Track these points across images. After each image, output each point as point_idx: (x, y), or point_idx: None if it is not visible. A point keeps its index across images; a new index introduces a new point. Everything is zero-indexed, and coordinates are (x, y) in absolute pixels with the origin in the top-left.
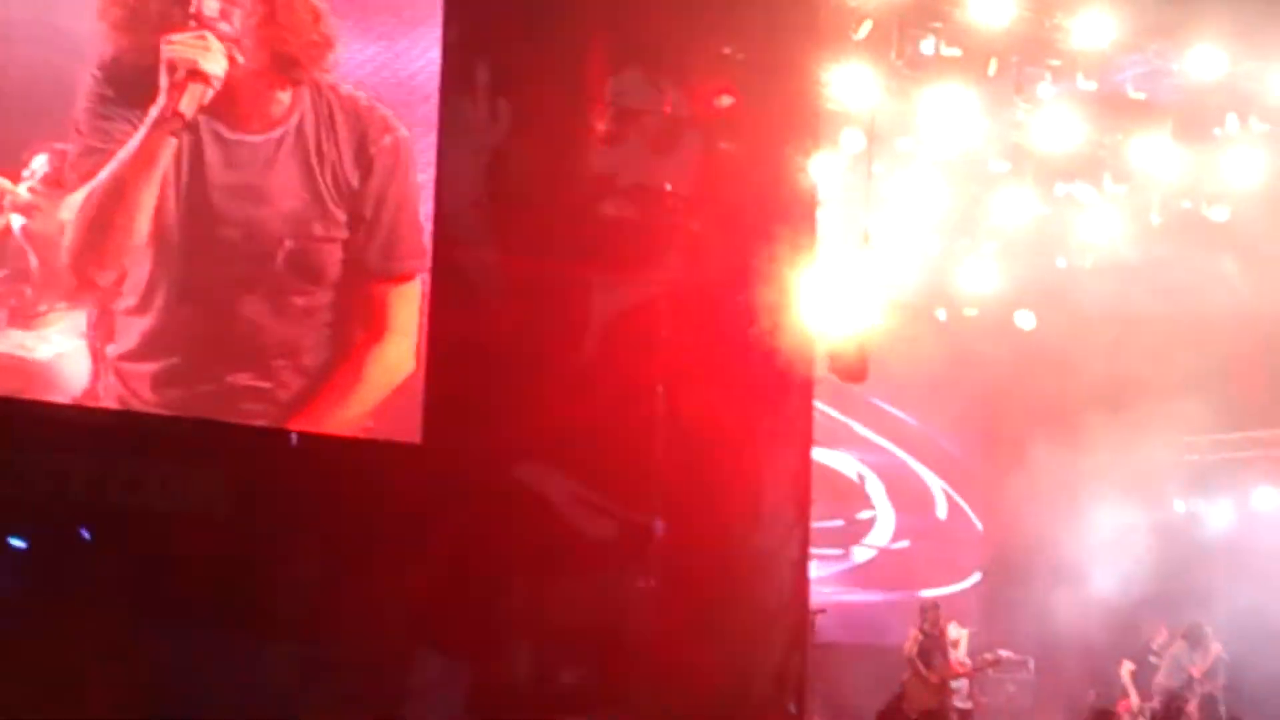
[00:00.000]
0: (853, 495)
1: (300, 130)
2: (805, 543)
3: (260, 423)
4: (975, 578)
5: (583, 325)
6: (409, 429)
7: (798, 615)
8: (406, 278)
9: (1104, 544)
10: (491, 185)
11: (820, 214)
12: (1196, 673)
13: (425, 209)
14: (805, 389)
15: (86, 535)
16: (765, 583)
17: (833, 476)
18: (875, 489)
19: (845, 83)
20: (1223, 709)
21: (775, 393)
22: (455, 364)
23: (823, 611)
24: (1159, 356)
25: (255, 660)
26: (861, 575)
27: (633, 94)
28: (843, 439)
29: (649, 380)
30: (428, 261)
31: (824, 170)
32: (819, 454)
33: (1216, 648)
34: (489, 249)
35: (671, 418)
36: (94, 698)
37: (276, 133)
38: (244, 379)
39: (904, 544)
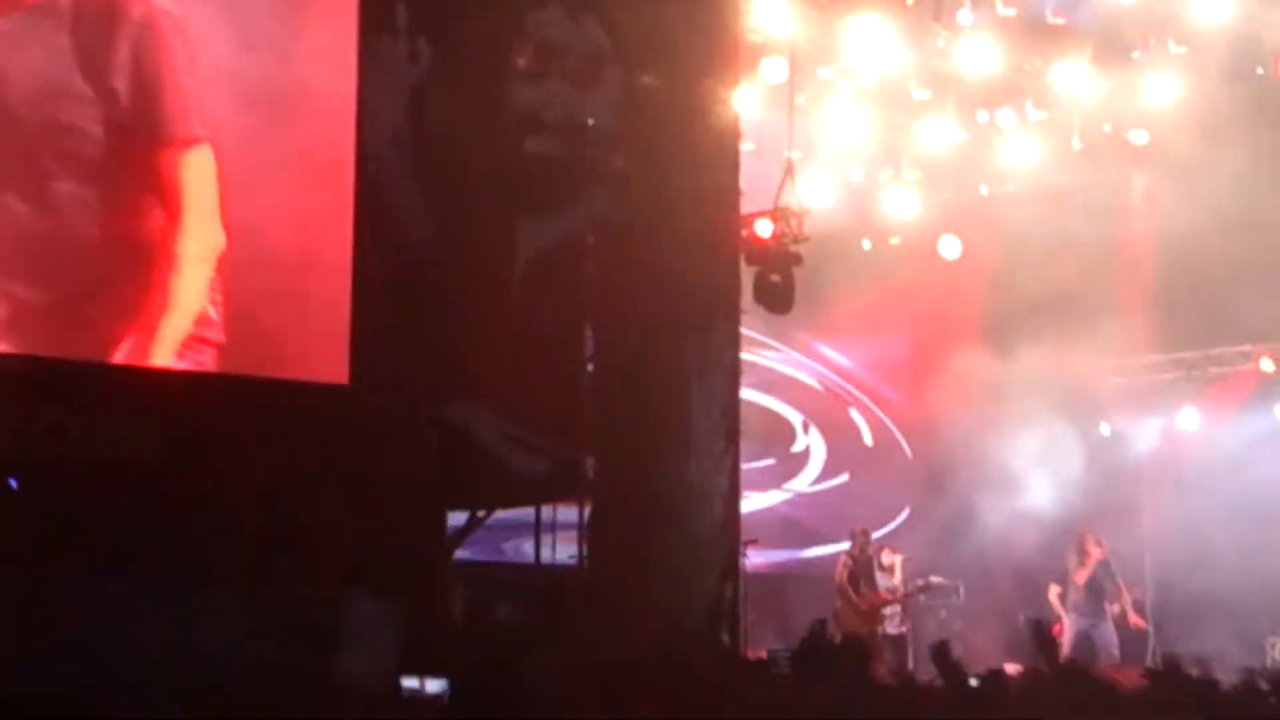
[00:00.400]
0: (784, 431)
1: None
2: (736, 473)
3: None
4: (906, 511)
5: (509, 263)
6: (333, 366)
7: (730, 546)
8: (182, 144)
9: (1033, 467)
10: (413, 125)
11: (743, 146)
12: (1079, 579)
13: (192, 79)
14: (732, 320)
15: (14, 484)
16: (697, 515)
17: (763, 413)
18: (806, 422)
19: (766, 12)
20: (1102, 636)
21: (703, 325)
22: (381, 304)
23: (754, 542)
24: (1084, 281)
25: (187, 608)
26: (796, 508)
27: (554, 28)
28: (773, 373)
29: (577, 316)
30: (203, 130)
31: (746, 102)
32: (750, 392)
33: (1098, 552)
34: (413, 189)
35: (599, 353)
36: (21, 651)
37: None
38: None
39: (841, 479)
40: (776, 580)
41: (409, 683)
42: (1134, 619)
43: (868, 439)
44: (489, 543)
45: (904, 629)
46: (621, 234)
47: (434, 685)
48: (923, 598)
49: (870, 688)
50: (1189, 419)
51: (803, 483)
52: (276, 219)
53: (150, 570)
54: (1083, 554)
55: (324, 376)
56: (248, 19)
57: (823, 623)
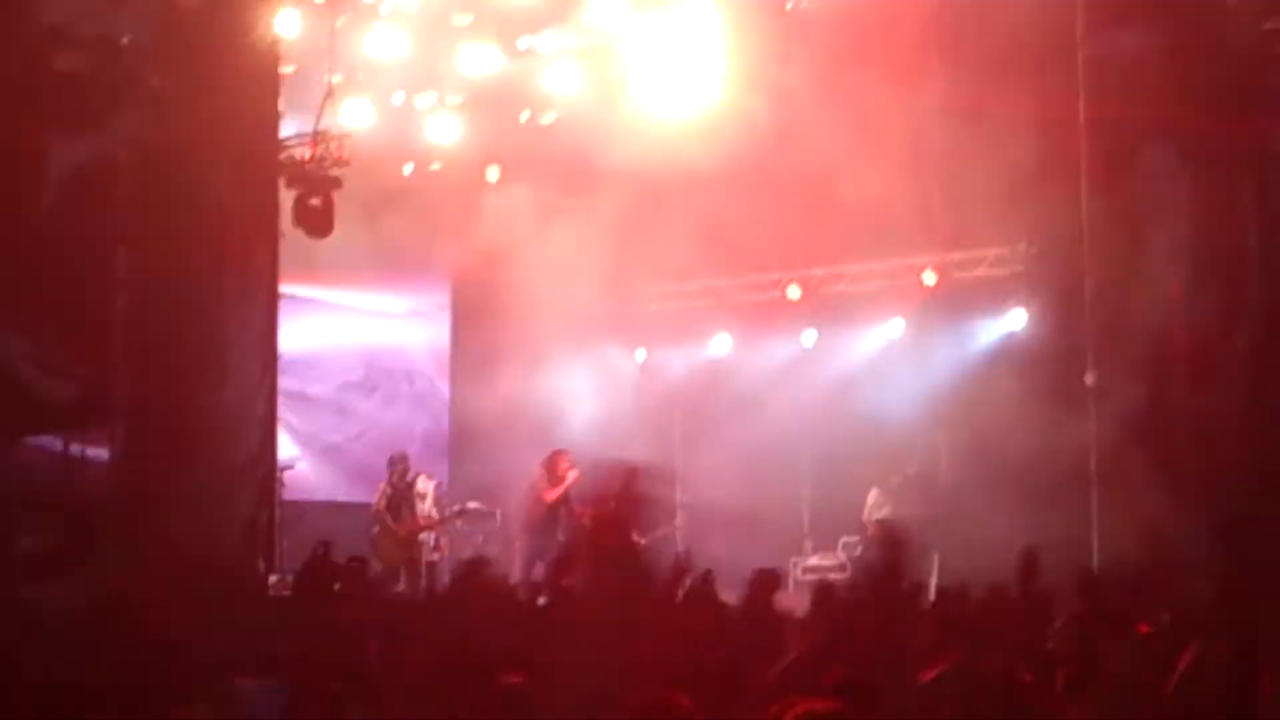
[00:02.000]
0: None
1: None
2: (273, 399)
3: None
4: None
5: (36, 182)
6: None
7: (266, 472)
8: None
9: (567, 396)
10: None
11: (284, 68)
12: (549, 498)
13: None
14: (271, 244)
15: None
16: (232, 441)
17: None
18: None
19: None
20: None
21: (241, 248)
22: None
23: (290, 468)
24: (623, 210)
25: None
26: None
27: None
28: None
29: (109, 238)
30: None
31: (287, 23)
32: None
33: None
34: None
35: (133, 275)
36: None
37: None
38: None
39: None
40: (316, 508)
41: None
42: None
43: (421, 384)
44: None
45: (437, 555)
46: (157, 155)
47: None
48: (460, 523)
49: (365, 603)
50: (722, 345)
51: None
52: None
53: None
54: (554, 476)
55: None
56: None
57: (326, 544)
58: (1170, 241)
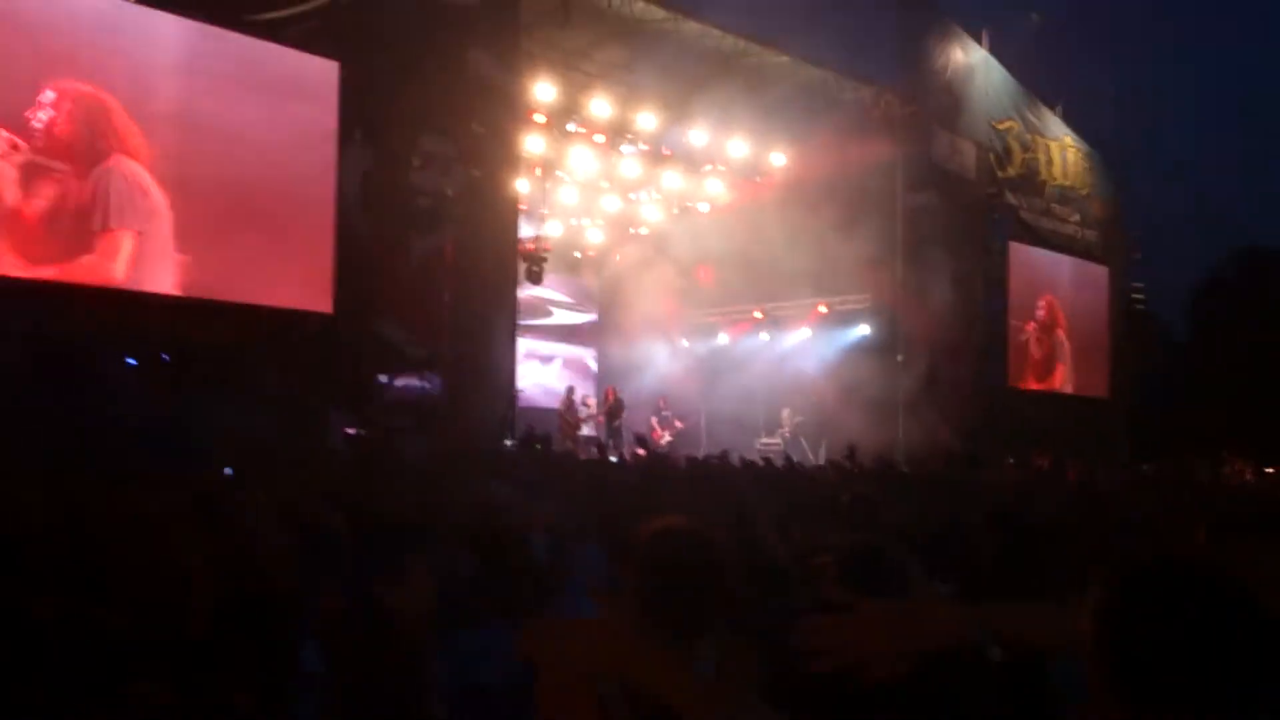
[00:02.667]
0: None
1: None
2: (513, 356)
3: None
4: None
5: (407, 255)
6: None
7: (510, 390)
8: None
9: (652, 361)
10: (364, 188)
11: (520, 207)
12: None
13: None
14: (513, 286)
15: (165, 358)
16: (496, 374)
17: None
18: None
19: (532, 142)
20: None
21: (501, 286)
22: (345, 272)
23: (521, 390)
24: (682, 265)
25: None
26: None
27: (430, 143)
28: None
29: (441, 280)
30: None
31: (522, 184)
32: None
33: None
34: (363, 220)
35: (452, 298)
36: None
37: None
38: None
39: None
40: (530, 411)
41: None
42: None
43: None
44: None
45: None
46: (464, 246)
47: None
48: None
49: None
50: (722, 339)
51: None
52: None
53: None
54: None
55: (319, 308)
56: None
57: (531, 428)
58: (938, 292)
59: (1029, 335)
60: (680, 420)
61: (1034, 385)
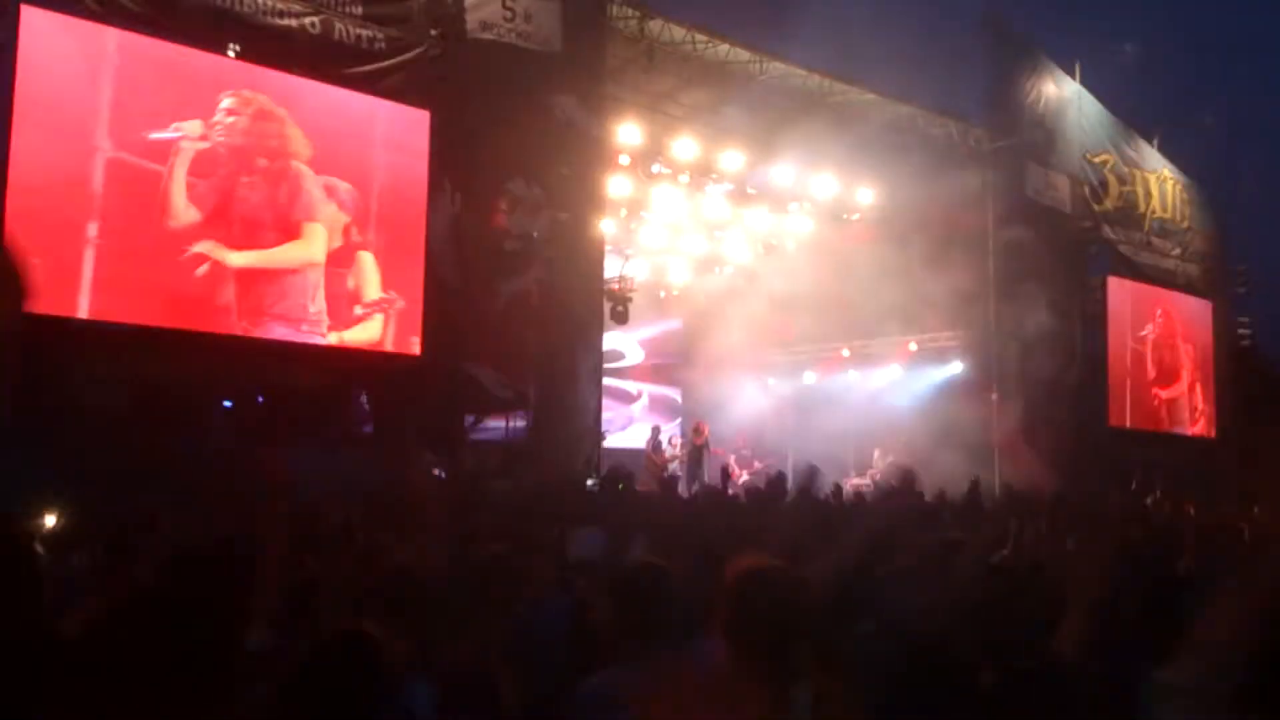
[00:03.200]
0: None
1: None
2: (599, 401)
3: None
4: None
5: (495, 297)
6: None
7: (596, 432)
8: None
9: (736, 400)
10: (452, 232)
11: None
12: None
13: None
14: (599, 329)
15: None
16: (582, 416)
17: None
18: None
19: (617, 186)
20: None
21: (585, 329)
22: (434, 317)
23: (607, 432)
24: (771, 303)
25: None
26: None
27: (517, 186)
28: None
29: (527, 324)
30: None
31: (606, 226)
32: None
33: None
34: (452, 263)
35: (539, 340)
36: None
37: None
38: None
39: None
40: (615, 452)
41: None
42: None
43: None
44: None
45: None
46: (550, 288)
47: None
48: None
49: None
50: (809, 378)
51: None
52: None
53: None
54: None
55: (408, 350)
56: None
57: (616, 468)
58: (1034, 328)
59: (1146, 347)
60: (761, 460)
61: (1140, 423)
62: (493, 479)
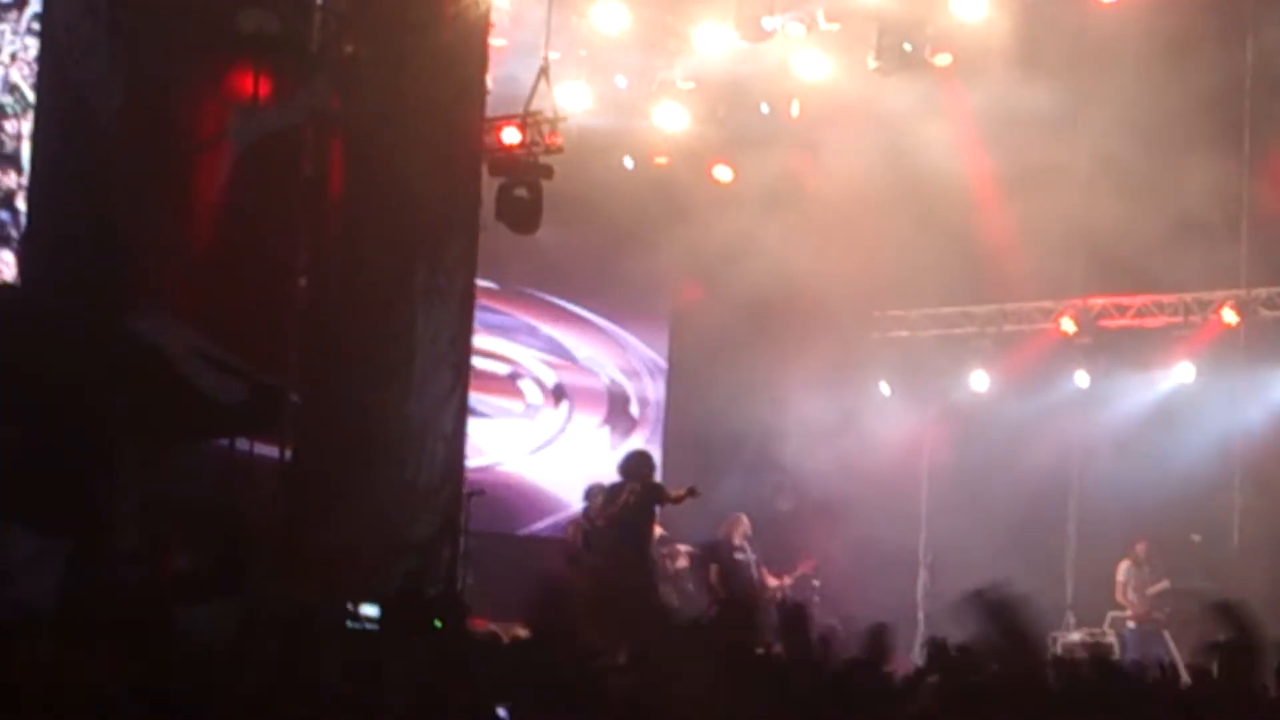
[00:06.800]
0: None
1: None
2: (463, 414)
3: None
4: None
5: (213, 156)
6: None
7: (451, 496)
8: None
9: (809, 434)
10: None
11: (494, 40)
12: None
13: None
14: (470, 237)
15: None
16: (414, 458)
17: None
18: (549, 382)
19: None
20: None
21: (434, 240)
22: (60, 195)
23: (480, 493)
24: (875, 220)
25: None
26: (532, 468)
27: None
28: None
29: (289, 223)
30: None
31: None
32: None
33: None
34: (105, 60)
35: (313, 266)
36: None
37: None
38: None
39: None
40: (503, 540)
41: None
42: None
43: (634, 410)
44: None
45: None
46: (346, 130)
47: None
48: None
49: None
50: (979, 381)
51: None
52: None
53: None
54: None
55: None
56: None
57: (551, 586)
58: None
59: None
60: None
61: None
62: (190, 604)
